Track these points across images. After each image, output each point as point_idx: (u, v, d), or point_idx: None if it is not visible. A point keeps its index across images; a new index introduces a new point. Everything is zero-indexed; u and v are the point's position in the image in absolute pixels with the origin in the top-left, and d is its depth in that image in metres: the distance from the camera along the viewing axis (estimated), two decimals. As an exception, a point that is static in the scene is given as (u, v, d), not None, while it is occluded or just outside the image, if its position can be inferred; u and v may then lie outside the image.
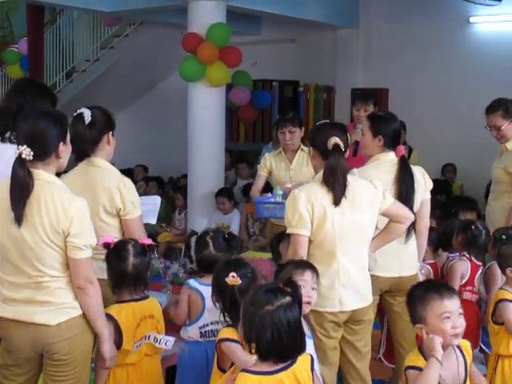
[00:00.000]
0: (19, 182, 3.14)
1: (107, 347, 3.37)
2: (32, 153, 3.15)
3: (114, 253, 3.61)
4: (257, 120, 11.33)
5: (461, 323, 3.04)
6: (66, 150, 3.33)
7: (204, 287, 3.93)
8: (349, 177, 3.87)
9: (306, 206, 3.81)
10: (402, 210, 4.08)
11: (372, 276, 4.13)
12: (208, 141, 8.85)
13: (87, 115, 4.07)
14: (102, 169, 4.12)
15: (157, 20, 11.07)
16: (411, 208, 4.35)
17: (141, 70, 12.42)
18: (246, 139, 11.59)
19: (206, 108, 8.81)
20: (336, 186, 3.80)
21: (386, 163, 4.50)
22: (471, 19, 10.11)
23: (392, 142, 4.54)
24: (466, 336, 5.13)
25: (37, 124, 3.23)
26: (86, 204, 3.30)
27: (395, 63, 10.60)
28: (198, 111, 8.84)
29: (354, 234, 3.91)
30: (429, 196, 4.66)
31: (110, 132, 4.20)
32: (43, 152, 3.22)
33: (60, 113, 3.38)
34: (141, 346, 3.55)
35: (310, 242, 3.88)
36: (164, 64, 12.15)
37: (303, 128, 6.55)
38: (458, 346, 3.14)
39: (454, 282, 5.12)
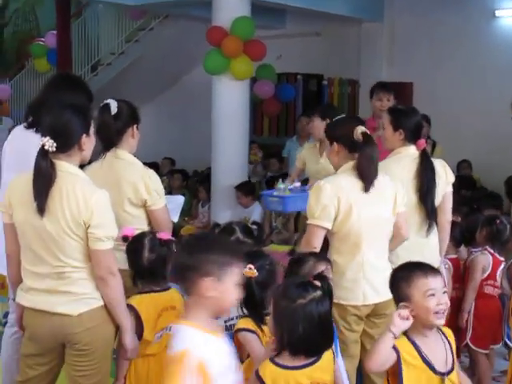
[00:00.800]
0: (42, 174, 3.17)
1: (128, 338, 3.40)
2: (55, 144, 3.17)
3: (132, 246, 3.66)
4: (281, 113, 11.34)
5: (445, 301, 3.01)
6: (88, 142, 3.34)
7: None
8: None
9: (331, 198, 3.82)
10: (404, 223, 4.08)
11: None
12: (232, 134, 8.87)
13: (113, 106, 4.10)
14: (126, 162, 4.13)
15: (182, 13, 11.12)
16: (433, 202, 4.35)
17: (165, 63, 12.48)
18: (270, 133, 11.62)
19: (230, 101, 8.82)
20: (371, 171, 3.85)
21: (406, 157, 4.50)
22: (497, 13, 10.02)
23: (413, 136, 4.52)
24: (487, 330, 5.15)
25: (60, 116, 3.26)
26: (108, 195, 3.31)
27: (420, 57, 10.56)
28: (222, 105, 8.86)
29: (378, 228, 3.93)
30: (450, 189, 4.63)
31: (135, 125, 4.22)
32: (66, 144, 3.24)
33: (83, 105, 3.42)
34: (162, 337, 3.53)
35: (334, 234, 3.90)
36: (188, 57, 12.18)
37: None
38: (443, 332, 3.13)
39: (475, 275, 5.12)
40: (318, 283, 2.94)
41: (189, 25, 11.70)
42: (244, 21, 8.66)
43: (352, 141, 3.87)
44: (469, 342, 5.10)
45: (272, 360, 2.92)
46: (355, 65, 11.15)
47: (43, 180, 3.17)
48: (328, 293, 2.96)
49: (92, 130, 3.37)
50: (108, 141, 4.12)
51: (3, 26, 15.72)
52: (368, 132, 3.89)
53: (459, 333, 4.99)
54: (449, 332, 3.16)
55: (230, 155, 8.86)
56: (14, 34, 15.61)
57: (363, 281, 3.91)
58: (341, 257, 3.84)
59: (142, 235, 3.70)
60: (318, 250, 3.83)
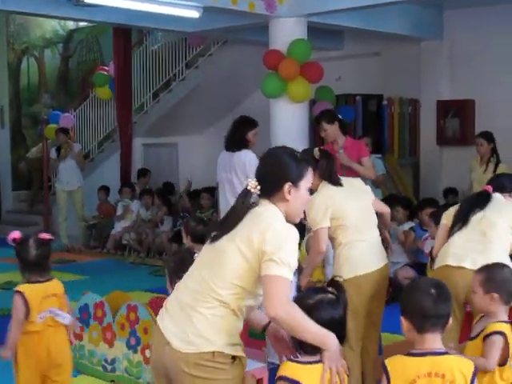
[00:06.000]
0: (237, 210, 3.16)
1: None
2: (259, 187, 3.15)
3: (20, 246, 4.34)
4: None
5: None
6: (295, 193, 3.19)
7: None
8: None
9: (325, 202, 4.79)
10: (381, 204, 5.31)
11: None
12: None
13: None
14: None
15: (239, 38, 11.22)
16: None
17: (225, 88, 12.59)
18: (330, 154, 11.55)
19: (289, 124, 8.83)
20: (331, 169, 4.94)
21: None
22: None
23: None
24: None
25: (270, 162, 3.24)
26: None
27: (481, 74, 10.42)
28: (280, 127, 8.87)
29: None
30: None
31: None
32: (268, 189, 3.17)
33: (299, 156, 3.29)
34: (45, 318, 4.29)
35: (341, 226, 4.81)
36: (247, 81, 12.28)
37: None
38: None
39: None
40: (330, 289, 3.07)
41: (247, 49, 11.80)
42: (300, 43, 8.68)
43: (316, 162, 4.75)
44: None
45: (291, 360, 3.06)
46: (415, 84, 11.07)
47: (236, 215, 3.14)
48: (341, 298, 3.05)
49: (304, 183, 3.23)
50: None
51: (68, 57, 16.10)
52: (322, 149, 5.02)
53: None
54: None
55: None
56: (78, 64, 15.96)
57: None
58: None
59: (27, 237, 4.38)
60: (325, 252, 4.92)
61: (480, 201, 4.90)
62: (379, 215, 5.12)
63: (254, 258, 3.01)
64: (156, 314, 3.32)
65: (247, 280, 3.04)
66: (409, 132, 11.46)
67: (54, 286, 4.44)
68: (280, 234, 3.02)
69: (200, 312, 3.04)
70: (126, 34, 12.51)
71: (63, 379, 4.41)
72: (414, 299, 2.97)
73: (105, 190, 12.63)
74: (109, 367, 5.53)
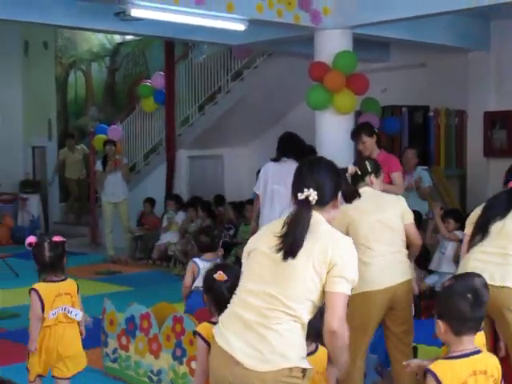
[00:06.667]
0: (302, 222, 3.17)
1: None
2: (316, 197, 3.21)
3: (36, 249, 4.71)
4: (386, 147, 11.19)
5: None
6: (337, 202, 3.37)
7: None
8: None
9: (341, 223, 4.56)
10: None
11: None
12: None
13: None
14: None
15: (285, 50, 11.23)
16: None
17: (270, 100, 12.60)
18: (376, 166, 11.47)
19: (334, 136, 8.78)
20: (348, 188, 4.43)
21: None
22: None
23: None
24: None
25: (327, 171, 3.31)
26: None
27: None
28: (325, 139, 8.84)
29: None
30: None
31: None
32: (323, 199, 3.25)
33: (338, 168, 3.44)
34: (57, 314, 4.67)
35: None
36: (292, 94, 12.27)
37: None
38: None
39: None
40: None
41: (292, 61, 11.80)
42: (346, 55, 8.66)
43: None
44: None
45: None
46: (462, 95, 10.97)
47: (302, 229, 3.16)
48: None
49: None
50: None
51: (115, 71, 16.30)
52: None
53: None
54: None
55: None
56: (124, 77, 16.14)
57: None
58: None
59: (42, 241, 4.74)
60: None
61: (503, 204, 4.76)
62: (408, 245, 5.00)
63: (324, 273, 3.09)
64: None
65: (317, 294, 3.11)
66: (455, 143, 11.34)
67: (68, 285, 4.82)
68: (348, 249, 3.16)
69: (273, 329, 3.05)
70: (170, 47, 12.62)
71: (70, 369, 4.77)
72: (452, 303, 3.08)
73: (150, 201, 12.73)
74: (155, 378, 5.55)
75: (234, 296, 3.28)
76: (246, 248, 3.35)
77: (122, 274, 11.21)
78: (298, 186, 3.25)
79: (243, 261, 3.35)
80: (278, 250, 3.12)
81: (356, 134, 7.55)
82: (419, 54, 11.28)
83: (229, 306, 3.27)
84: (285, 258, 3.11)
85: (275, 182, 7.36)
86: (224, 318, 3.24)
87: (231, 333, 3.13)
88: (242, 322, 3.12)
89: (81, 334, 4.87)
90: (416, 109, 11.18)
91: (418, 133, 11.09)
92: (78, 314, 4.76)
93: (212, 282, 3.91)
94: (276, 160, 7.54)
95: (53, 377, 4.77)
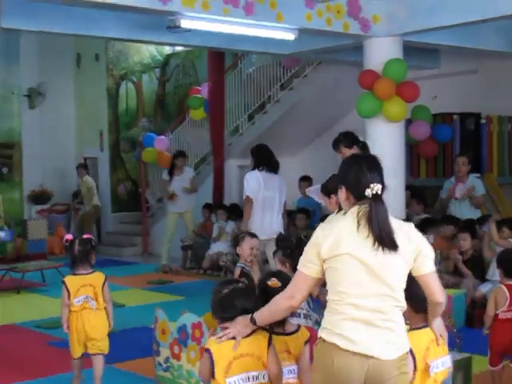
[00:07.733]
0: (386, 215, 3.38)
1: None
2: (380, 191, 3.44)
3: (70, 244, 5.59)
4: (438, 155, 11.11)
5: None
6: None
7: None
8: None
9: None
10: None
11: None
12: (388, 177, 8.50)
13: None
14: None
15: (334, 59, 11.20)
16: None
17: (319, 109, 12.59)
18: (427, 174, 11.38)
19: (385, 144, 8.71)
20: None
21: None
22: None
23: None
24: None
25: (380, 167, 3.58)
26: None
27: None
28: (376, 147, 8.71)
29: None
30: None
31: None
32: (383, 192, 3.49)
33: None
34: (82, 301, 5.55)
35: None
36: (342, 102, 12.24)
37: None
38: None
39: None
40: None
41: (341, 70, 11.77)
42: (396, 63, 8.60)
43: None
44: None
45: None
46: (515, 101, 10.82)
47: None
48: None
49: None
50: None
51: (165, 82, 16.44)
52: None
53: None
54: None
55: (386, 199, 8.70)
56: (175, 88, 16.27)
57: None
58: None
59: (75, 237, 5.70)
60: None
61: None
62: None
63: (412, 258, 3.35)
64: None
65: (405, 280, 3.38)
66: (508, 150, 11.17)
67: (94, 277, 5.65)
68: (418, 232, 3.44)
69: (394, 321, 3.31)
70: (219, 57, 12.70)
71: (100, 347, 5.64)
72: None
73: (208, 207, 12.75)
74: (206, 387, 5.55)
75: (330, 303, 3.33)
76: (320, 255, 3.32)
77: (173, 283, 11.27)
78: (363, 182, 3.38)
79: (325, 268, 3.34)
80: (377, 248, 3.25)
81: (335, 145, 7.36)
82: (470, 60, 11.16)
83: (326, 313, 3.36)
84: (386, 252, 3.25)
85: (268, 189, 8.10)
86: (334, 323, 3.30)
87: (353, 334, 3.26)
88: (358, 323, 3.27)
89: (109, 325, 5.69)
90: (467, 116, 11.06)
91: (470, 140, 10.96)
92: (93, 303, 5.58)
93: (266, 289, 3.95)
94: (260, 169, 8.17)
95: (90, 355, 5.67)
